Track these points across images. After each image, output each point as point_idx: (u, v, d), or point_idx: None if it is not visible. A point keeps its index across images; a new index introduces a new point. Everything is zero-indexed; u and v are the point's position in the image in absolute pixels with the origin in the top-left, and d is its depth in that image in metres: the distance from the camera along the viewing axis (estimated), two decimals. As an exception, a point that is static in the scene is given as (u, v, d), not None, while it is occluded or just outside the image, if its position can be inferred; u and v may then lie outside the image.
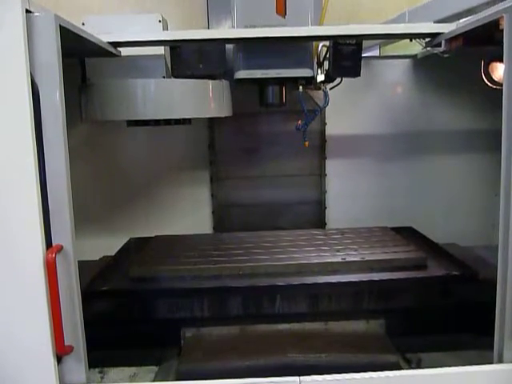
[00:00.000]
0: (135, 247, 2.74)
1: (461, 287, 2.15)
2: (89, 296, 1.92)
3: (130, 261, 2.39)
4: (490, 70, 2.52)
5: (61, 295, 1.49)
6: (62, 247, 1.50)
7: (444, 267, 2.22)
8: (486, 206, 3.18)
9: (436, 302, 2.18)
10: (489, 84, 2.53)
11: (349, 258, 2.24)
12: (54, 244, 1.50)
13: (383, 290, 2.14)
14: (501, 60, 1.75)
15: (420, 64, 3.07)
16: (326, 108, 2.82)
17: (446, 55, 2.42)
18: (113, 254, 2.68)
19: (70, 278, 1.53)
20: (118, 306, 2.13)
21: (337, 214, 3.22)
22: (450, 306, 2.16)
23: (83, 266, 2.09)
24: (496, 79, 2.51)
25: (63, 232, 1.51)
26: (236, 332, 2.12)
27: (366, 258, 2.23)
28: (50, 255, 1.45)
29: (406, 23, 2.33)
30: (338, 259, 2.24)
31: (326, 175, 3.16)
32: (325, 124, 3.09)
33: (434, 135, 3.16)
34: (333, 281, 2.08)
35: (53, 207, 1.49)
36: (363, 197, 3.20)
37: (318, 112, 2.55)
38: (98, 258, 2.75)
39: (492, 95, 2.98)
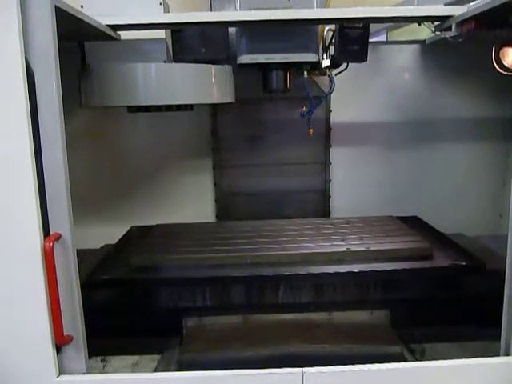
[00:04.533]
0: (137, 236, 2.72)
1: (467, 278, 2.11)
2: (90, 285, 1.91)
3: (131, 250, 2.36)
4: (500, 55, 2.45)
5: (59, 284, 1.46)
6: (60, 236, 1.47)
7: (450, 258, 2.18)
8: (493, 195, 3.14)
9: (441, 293, 2.15)
10: (499, 70, 2.45)
11: (354, 248, 2.20)
12: (51, 232, 1.47)
13: (388, 281, 2.11)
14: (512, 45, 1.70)
15: (428, 50, 3.00)
16: (332, 95, 2.78)
17: (455, 41, 2.35)
18: (114, 242, 2.66)
19: (68, 266, 1.50)
20: (120, 295, 2.11)
21: (341, 202, 3.18)
22: (456, 297, 2.13)
23: (84, 254, 2.08)
24: (507, 65, 2.44)
25: (61, 220, 1.48)
26: (238, 322, 2.10)
27: (371, 248, 2.19)
28: (47, 244, 1.42)
29: (415, 6, 2.24)
30: (343, 249, 2.20)
31: (330, 163, 3.11)
32: (330, 111, 3.02)
33: (442, 123, 3.10)
34: (337, 270, 2.04)
35: (50, 195, 1.46)
36: (368, 185, 3.15)
37: (323, 98, 2.49)
38: (99, 247, 2.73)
39: (502, 82, 2.95)
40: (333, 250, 2.19)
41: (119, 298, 2.14)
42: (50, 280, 1.44)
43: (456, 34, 1.99)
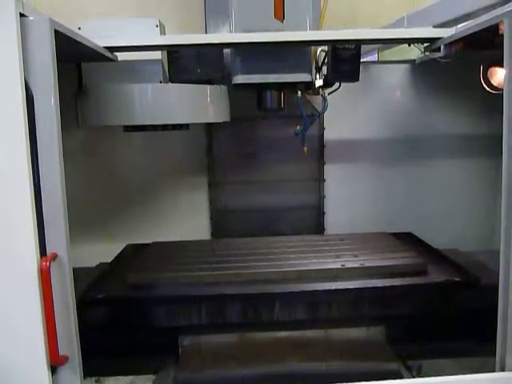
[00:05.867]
0: (132, 254, 2.72)
1: (461, 293, 2.13)
2: (85, 304, 1.90)
3: (126, 268, 2.36)
4: (488, 74, 2.51)
5: (55, 304, 1.46)
6: (56, 255, 1.47)
7: (444, 273, 2.20)
8: (485, 210, 3.17)
9: (437, 309, 2.15)
10: (487, 89, 2.52)
11: (348, 265, 2.21)
12: (48, 252, 1.47)
13: (383, 297, 2.11)
14: (499, 65, 1.75)
15: (418, 69, 3.07)
16: (325, 113, 2.84)
17: (444, 60, 2.41)
18: (110, 260, 2.65)
19: (64, 286, 1.50)
20: (115, 314, 2.10)
21: (336, 219, 3.20)
22: (451, 313, 2.13)
23: (79, 273, 2.07)
24: (495, 84, 2.50)
25: (58, 240, 1.48)
26: (234, 340, 2.09)
27: (366, 264, 2.21)
28: (44, 263, 1.42)
29: (404, 28, 2.31)
30: (338, 265, 2.21)
31: (324, 180, 3.14)
32: (323, 129, 3.07)
33: (433, 140, 3.15)
34: (332, 288, 2.05)
35: (47, 215, 1.46)
36: (362, 202, 3.18)
37: (316, 117, 2.53)
38: (94, 265, 2.72)
39: (490, 100, 3.02)
40: (328, 267, 2.20)
41: (114, 316, 2.12)
42: (46, 300, 1.44)
43: (445, 54, 2.05)
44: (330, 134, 3.10)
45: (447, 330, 2.10)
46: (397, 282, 2.11)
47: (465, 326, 2.08)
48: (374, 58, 3.51)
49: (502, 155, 1.69)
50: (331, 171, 3.15)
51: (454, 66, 2.58)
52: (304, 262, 2.27)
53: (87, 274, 2.37)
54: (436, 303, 2.15)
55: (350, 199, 3.18)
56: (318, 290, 2.04)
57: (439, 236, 2.87)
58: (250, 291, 2.06)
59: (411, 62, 3.08)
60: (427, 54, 2.33)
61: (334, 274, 2.16)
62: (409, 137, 3.12)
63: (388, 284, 2.08)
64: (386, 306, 2.14)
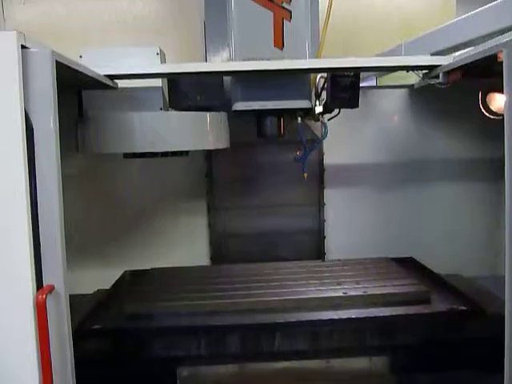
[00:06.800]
0: (130, 281, 2.67)
1: (466, 322, 2.08)
2: (82, 335, 1.86)
3: (124, 296, 2.32)
4: (487, 100, 2.53)
5: (51, 338, 1.42)
6: (53, 287, 1.44)
7: (448, 301, 2.17)
8: (488, 235, 3.15)
9: (441, 338, 2.11)
10: (487, 114, 2.53)
11: (350, 292, 2.18)
12: (45, 284, 1.44)
13: (386, 326, 2.07)
14: (498, 90, 1.76)
15: (417, 94, 3.09)
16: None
17: (443, 86, 2.43)
18: (107, 286, 2.61)
19: (61, 320, 1.46)
20: (112, 345, 2.05)
21: (336, 243, 3.18)
22: (456, 342, 2.09)
23: (76, 300, 2.03)
24: (494, 109, 2.52)
25: (55, 271, 1.45)
26: (234, 371, 2.04)
27: (368, 292, 2.17)
28: (40, 296, 1.39)
29: (402, 55, 2.33)
30: (340, 293, 2.17)
31: (324, 204, 3.13)
32: (322, 154, 3.07)
33: (433, 164, 3.15)
34: (334, 317, 2.01)
35: (45, 247, 1.44)
36: (362, 226, 3.16)
37: (317, 144, 2.54)
38: (91, 292, 2.68)
39: (489, 125, 3.03)
40: (330, 295, 2.16)
41: (111, 347, 2.07)
42: (42, 334, 1.40)
43: (443, 81, 2.06)
44: (329, 159, 3.10)
45: (452, 359, 2.06)
46: (400, 310, 2.07)
47: (470, 356, 2.03)
48: (372, 82, 3.54)
49: (502, 179, 1.68)
50: (331, 195, 3.14)
51: (453, 91, 2.59)
52: (305, 289, 2.24)
53: (84, 302, 2.33)
54: (440, 332, 2.11)
55: (351, 223, 3.16)
56: (319, 320, 1.99)
57: (440, 260, 2.84)
58: (251, 321, 2.02)
59: (410, 86, 3.10)
60: (426, 80, 2.34)
61: (335, 302, 2.12)
62: (408, 161, 3.12)
63: (391, 313, 2.04)
64: (389, 336, 2.09)
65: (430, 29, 2.38)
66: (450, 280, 2.46)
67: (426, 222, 3.13)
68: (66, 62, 1.52)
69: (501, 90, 1.49)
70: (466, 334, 2.08)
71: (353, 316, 2.00)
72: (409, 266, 2.68)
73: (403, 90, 3.14)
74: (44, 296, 1.39)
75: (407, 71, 2.30)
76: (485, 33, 1.97)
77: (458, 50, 2.20)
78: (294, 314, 2.07)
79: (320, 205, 3.12)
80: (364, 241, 3.11)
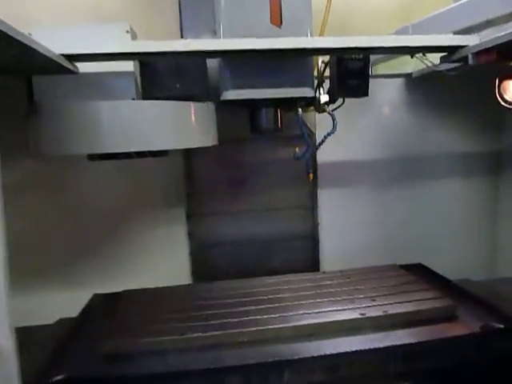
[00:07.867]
0: (101, 307, 2.23)
1: (502, 341, 1.82)
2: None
3: (94, 330, 1.89)
4: (501, 89, 2.28)
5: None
6: (-2, 348, 1.03)
7: (477, 317, 1.89)
8: (489, 232, 2.99)
9: (471, 360, 1.83)
10: (502, 103, 2.28)
11: (369, 313, 1.85)
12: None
13: (414, 352, 1.76)
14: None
15: (415, 83, 2.83)
16: (316, 133, 2.51)
17: (453, 73, 2.16)
18: (73, 313, 2.16)
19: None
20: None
21: (330, 247, 2.88)
22: (489, 363, 1.82)
23: (34, 334, 1.68)
24: (509, 99, 2.27)
25: None
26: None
27: (389, 312, 1.86)
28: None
29: (419, 35, 2.02)
30: (357, 315, 1.85)
31: (317, 206, 2.81)
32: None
33: (431, 158, 2.92)
34: (355, 348, 1.67)
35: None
36: (358, 227, 2.89)
37: (325, 137, 2.18)
38: (53, 322, 2.22)
39: (488, 116, 2.83)
40: (346, 318, 1.83)
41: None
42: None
43: (472, 63, 1.77)
44: (322, 157, 2.78)
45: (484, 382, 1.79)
46: (428, 332, 1.77)
47: (504, 378, 1.77)
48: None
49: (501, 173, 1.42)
50: (325, 195, 2.83)
51: (452, 81, 2.35)
52: (315, 311, 1.90)
53: (43, 339, 1.89)
54: (471, 353, 1.83)
55: (345, 225, 2.88)
56: (339, 353, 1.65)
57: (446, 263, 2.59)
58: (254, 357, 1.64)
59: (407, 75, 2.84)
60: (430, 65, 2.05)
61: (354, 327, 1.80)
62: (406, 156, 2.88)
63: (420, 337, 1.74)
64: (415, 361, 1.79)
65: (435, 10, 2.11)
66: (464, 286, 2.20)
67: (429, 222, 2.91)
68: (7, 30, 1.09)
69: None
70: (501, 353, 1.81)
71: (380, 346, 1.67)
72: (419, 273, 2.40)
73: (399, 80, 2.87)
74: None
75: (424, 54, 2.00)
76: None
77: (478, 31, 1.93)
78: (304, 343, 1.72)
79: (314, 207, 2.80)
80: (360, 243, 2.84)
